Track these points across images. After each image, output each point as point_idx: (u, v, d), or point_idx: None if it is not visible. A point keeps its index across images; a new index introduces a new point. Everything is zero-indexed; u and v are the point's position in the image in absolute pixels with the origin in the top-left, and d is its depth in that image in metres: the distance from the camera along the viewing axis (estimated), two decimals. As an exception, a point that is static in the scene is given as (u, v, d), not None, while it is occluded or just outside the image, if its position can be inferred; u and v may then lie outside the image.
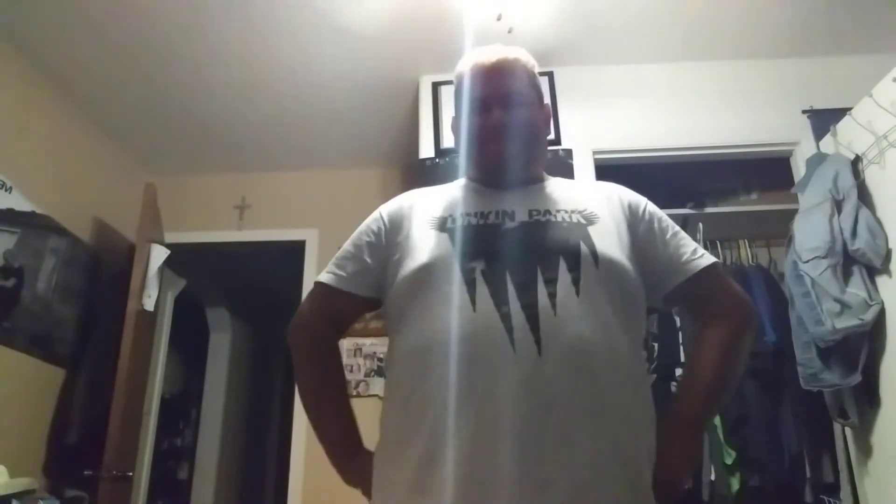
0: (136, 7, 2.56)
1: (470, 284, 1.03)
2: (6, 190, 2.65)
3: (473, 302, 1.01)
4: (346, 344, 3.28)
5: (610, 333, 1.02)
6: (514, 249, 1.08)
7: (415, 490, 0.97)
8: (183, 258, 3.54)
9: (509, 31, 2.50)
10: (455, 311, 1.01)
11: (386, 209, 1.24)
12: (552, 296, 1.01)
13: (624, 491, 0.95)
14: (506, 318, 0.99)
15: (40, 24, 2.65)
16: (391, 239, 1.18)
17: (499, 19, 2.49)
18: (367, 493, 1.10)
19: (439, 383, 0.98)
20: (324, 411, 1.22)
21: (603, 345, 1.00)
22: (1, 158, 2.65)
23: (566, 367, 0.97)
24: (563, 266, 1.04)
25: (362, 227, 1.24)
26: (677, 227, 1.21)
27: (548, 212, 1.14)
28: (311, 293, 1.24)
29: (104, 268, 3.26)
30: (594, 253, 1.06)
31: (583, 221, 1.12)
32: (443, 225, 1.14)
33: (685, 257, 1.16)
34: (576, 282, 1.03)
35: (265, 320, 5.31)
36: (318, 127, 3.42)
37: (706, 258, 1.16)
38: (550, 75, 2.84)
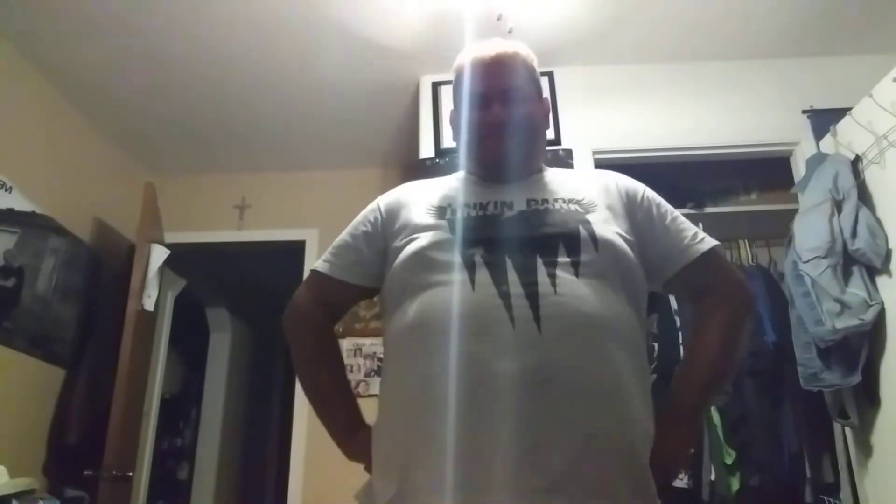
0: (136, 7, 2.56)
1: (470, 268, 1.03)
2: (6, 190, 2.65)
3: (473, 282, 1.01)
4: (346, 344, 3.29)
5: (610, 313, 1.02)
6: (513, 236, 1.08)
7: (413, 466, 0.98)
8: (183, 258, 3.54)
9: (509, 31, 2.50)
10: (454, 290, 1.01)
11: (384, 200, 1.25)
12: (552, 276, 1.01)
13: (620, 466, 0.95)
14: (505, 296, 0.99)
15: (40, 23, 2.64)
16: (388, 228, 1.19)
17: (499, 19, 2.50)
18: (370, 468, 1.11)
19: (438, 360, 0.98)
20: (323, 395, 1.23)
21: (602, 322, 1.00)
22: (1, 158, 2.65)
23: (565, 343, 0.97)
24: (562, 250, 1.04)
25: (359, 217, 1.26)
26: (677, 213, 1.21)
27: (545, 200, 1.14)
28: (307, 281, 1.26)
29: (104, 268, 3.26)
30: (594, 237, 1.06)
31: (580, 210, 1.12)
32: (441, 214, 1.14)
33: (685, 242, 1.15)
34: (576, 265, 1.03)
35: (265, 320, 5.30)
36: (319, 127, 3.42)
37: (706, 242, 1.16)
38: (550, 75, 2.84)
